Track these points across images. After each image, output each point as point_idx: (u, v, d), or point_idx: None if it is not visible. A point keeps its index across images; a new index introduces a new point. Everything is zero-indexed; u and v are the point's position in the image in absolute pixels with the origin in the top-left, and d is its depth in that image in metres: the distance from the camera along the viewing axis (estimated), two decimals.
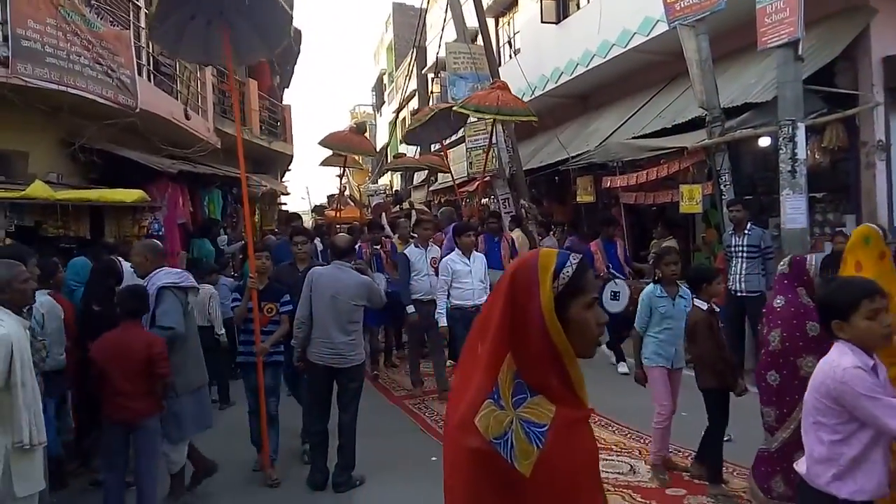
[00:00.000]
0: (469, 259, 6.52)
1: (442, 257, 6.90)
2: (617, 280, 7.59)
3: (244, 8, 4.90)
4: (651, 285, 4.93)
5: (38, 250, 6.17)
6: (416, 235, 7.59)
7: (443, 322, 6.43)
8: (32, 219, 6.61)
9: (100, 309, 4.96)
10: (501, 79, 10.74)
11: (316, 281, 4.75)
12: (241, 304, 5.17)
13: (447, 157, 12.29)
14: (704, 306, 4.40)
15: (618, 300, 7.39)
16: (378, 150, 34.68)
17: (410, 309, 6.91)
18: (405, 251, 7.17)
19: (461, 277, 6.40)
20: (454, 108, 9.63)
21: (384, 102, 34.72)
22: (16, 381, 3.08)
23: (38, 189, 6.54)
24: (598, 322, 1.46)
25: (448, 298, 6.50)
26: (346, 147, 13.67)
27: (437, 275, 6.77)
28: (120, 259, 5.86)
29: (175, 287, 4.51)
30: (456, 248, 6.58)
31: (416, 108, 12.10)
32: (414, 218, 11.48)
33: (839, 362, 2.31)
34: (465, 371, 1.51)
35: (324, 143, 13.85)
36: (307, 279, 4.80)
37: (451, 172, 12.58)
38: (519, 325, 1.39)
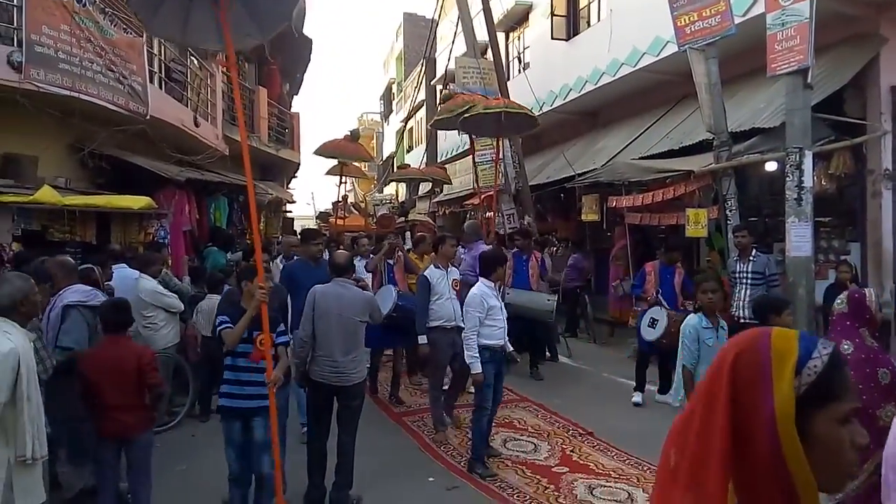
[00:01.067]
0: (498, 292, 5.70)
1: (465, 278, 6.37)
2: (659, 307, 7.06)
3: None
4: (695, 315, 4.63)
5: (43, 254, 6.24)
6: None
7: (478, 368, 5.30)
8: (39, 223, 6.65)
9: None
10: (509, 94, 10.78)
11: (319, 299, 4.68)
12: (234, 329, 4.10)
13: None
14: None
15: (654, 328, 6.94)
16: (384, 158, 34.86)
17: (423, 339, 6.12)
18: (425, 273, 6.35)
19: (495, 314, 5.48)
20: (461, 119, 9.31)
21: (392, 111, 34.85)
22: (21, 395, 3.09)
23: (46, 194, 6.59)
24: (855, 444, 1.03)
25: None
26: (340, 154, 13.85)
27: (458, 298, 6.12)
28: (106, 268, 5.93)
29: (82, 305, 4.49)
30: (483, 280, 5.62)
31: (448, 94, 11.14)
32: (416, 232, 11.42)
33: None
34: (662, 492, 1.11)
35: (319, 152, 14.03)
36: (309, 298, 4.72)
37: (476, 179, 12.36)
38: (743, 437, 1.01)
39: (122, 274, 6.33)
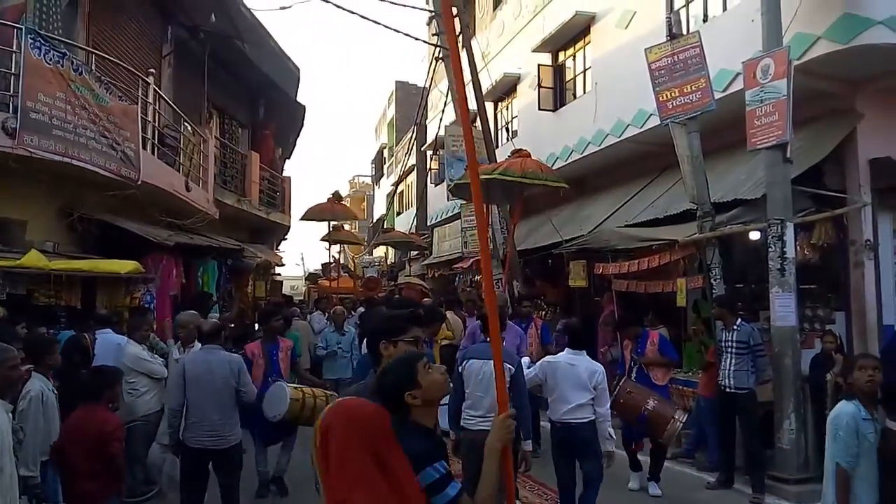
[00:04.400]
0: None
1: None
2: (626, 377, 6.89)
3: None
4: (848, 403, 3.66)
5: (28, 318, 6.20)
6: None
7: (611, 447, 5.15)
8: (25, 287, 6.63)
9: (58, 385, 4.98)
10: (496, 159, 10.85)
11: (188, 367, 4.93)
12: (481, 487, 2.46)
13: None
14: None
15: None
16: (374, 221, 35.11)
17: (528, 445, 5.07)
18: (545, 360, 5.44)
19: None
20: (486, 177, 9.13)
21: (383, 175, 35.32)
22: None
23: (32, 258, 6.59)
24: None
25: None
26: (328, 217, 14.01)
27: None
28: (91, 334, 5.93)
29: None
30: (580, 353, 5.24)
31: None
32: (404, 295, 11.37)
33: None
34: None
35: (306, 217, 14.19)
36: (178, 367, 5.01)
37: (464, 244, 12.44)
38: None
39: (106, 339, 6.29)
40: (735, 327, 6.88)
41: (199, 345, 5.50)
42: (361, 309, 12.30)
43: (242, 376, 5.08)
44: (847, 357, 6.92)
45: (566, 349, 5.32)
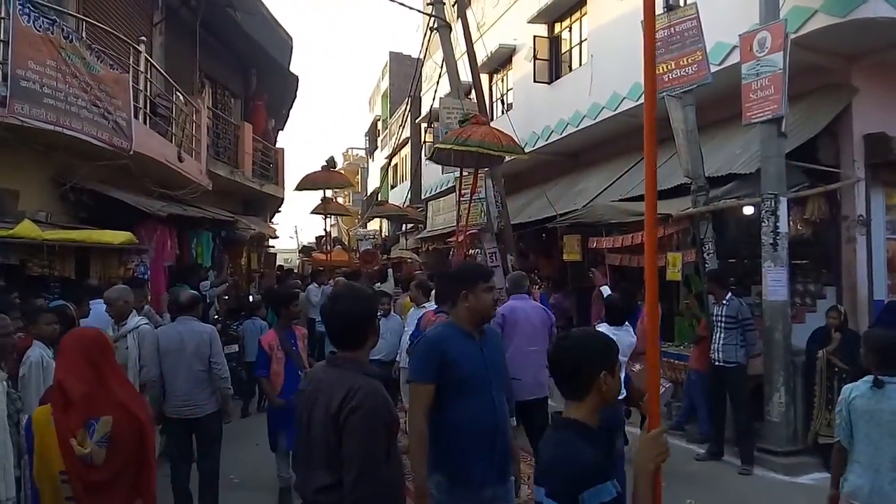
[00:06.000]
0: None
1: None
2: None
3: None
4: (864, 383, 3.39)
5: (21, 289, 6.19)
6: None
7: None
8: (18, 257, 6.59)
9: None
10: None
11: (162, 340, 5.09)
12: None
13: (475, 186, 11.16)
14: None
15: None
16: (369, 194, 34.98)
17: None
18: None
19: None
20: (441, 146, 9.00)
21: (377, 147, 35.08)
22: None
23: (25, 228, 6.55)
24: None
25: None
26: (322, 185, 14.01)
27: None
28: (83, 304, 5.92)
29: None
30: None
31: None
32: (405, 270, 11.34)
33: None
34: None
35: (300, 187, 14.17)
36: (152, 339, 5.12)
37: (458, 217, 12.40)
38: None
39: (99, 310, 6.27)
40: (724, 302, 6.93)
41: (136, 319, 5.43)
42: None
43: (214, 346, 5.22)
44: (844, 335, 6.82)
45: (604, 324, 5.18)
